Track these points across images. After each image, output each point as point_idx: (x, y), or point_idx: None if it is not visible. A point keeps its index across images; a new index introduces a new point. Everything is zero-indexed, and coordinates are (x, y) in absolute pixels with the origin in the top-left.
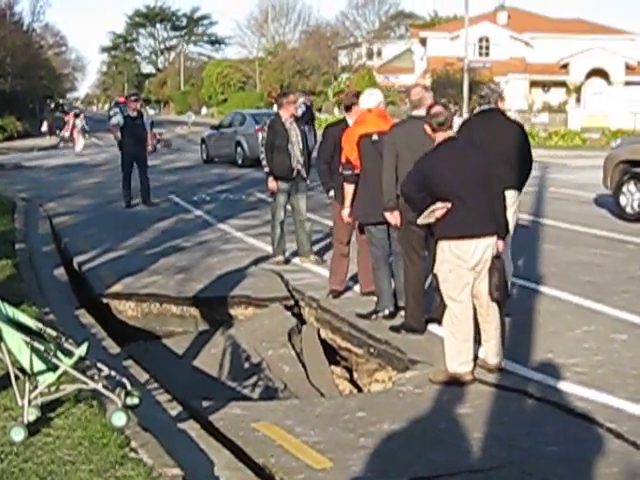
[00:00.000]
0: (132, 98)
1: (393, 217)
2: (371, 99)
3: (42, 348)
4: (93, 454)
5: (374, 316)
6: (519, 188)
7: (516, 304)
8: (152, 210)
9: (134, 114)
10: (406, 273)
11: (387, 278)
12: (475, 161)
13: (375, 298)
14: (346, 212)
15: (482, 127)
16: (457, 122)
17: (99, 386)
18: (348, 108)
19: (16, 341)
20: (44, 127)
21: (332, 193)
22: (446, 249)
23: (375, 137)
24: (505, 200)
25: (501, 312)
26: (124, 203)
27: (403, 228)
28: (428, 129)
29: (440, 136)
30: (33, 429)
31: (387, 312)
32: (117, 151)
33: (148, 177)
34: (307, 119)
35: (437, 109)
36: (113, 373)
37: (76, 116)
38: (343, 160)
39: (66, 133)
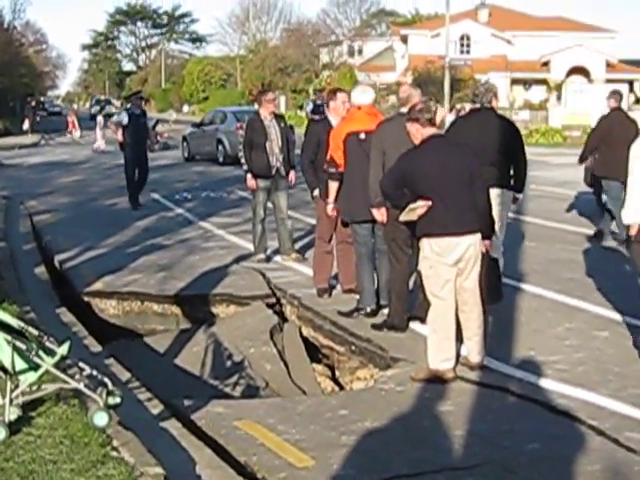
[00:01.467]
0: (137, 96)
1: (380, 214)
2: (364, 96)
3: (24, 347)
4: (74, 453)
5: (356, 314)
6: (507, 186)
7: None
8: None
9: (138, 112)
10: (391, 271)
11: (370, 276)
12: (459, 159)
13: (357, 296)
14: (330, 207)
15: (474, 126)
16: (450, 119)
17: (81, 385)
18: (327, 105)
19: None
20: (26, 125)
21: (317, 192)
22: (426, 246)
23: (362, 136)
24: (490, 199)
25: (484, 310)
26: (131, 206)
27: (389, 226)
28: (413, 126)
29: (427, 132)
30: (14, 428)
31: (369, 310)
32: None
33: (146, 180)
34: (321, 117)
35: (424, 105)
36: (95, 372)
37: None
38: (328, 158)
39: (76, 133)
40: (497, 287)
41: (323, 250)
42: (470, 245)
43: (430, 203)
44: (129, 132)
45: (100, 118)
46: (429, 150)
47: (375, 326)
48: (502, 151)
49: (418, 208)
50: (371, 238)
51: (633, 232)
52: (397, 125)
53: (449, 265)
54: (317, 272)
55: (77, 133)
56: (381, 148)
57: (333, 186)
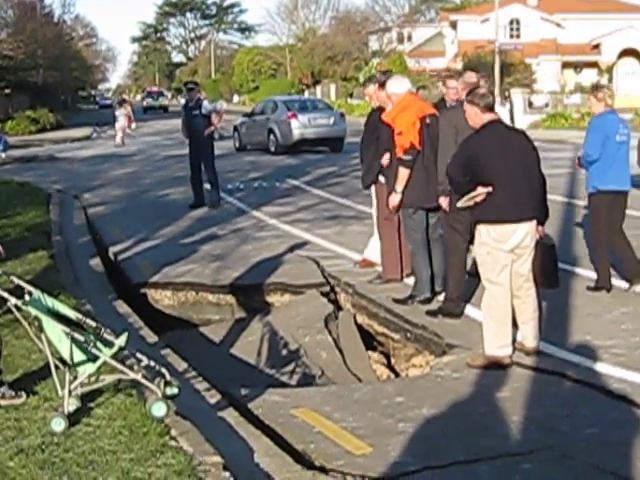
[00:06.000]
0: (188, 87)
1: (445, 202)
2: (402, 83)
3: (82, 339)
4: (133, 443)
5: (410, 301)
6: None
7: None
8: (186, 199)
9: (192, 104)
10: (448, 257)
11: (426, 263)
12: (518, 145)
13: (411, 282)
14: (397, 198)
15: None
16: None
17: (139, 376)
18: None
19: (56, 332)
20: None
21: (382, 179)
22: (484, 232)
23: (428, 120)
24: (546, 185)
25: (538, 295)
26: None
27: (451, 213)
28: (472, 109)
29: (484, 118)
30: (73, 419)
31: (423, 297)
32: (148, 140)
33: (214, 174)
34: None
35: (484, 90)
36: (152, 363)
37: (120, 104)
38: (406, 145)
39: (132, 125)
40: (554, 273)
41: (389, 239)
42: (527, 232)
43: (490, 189)
44: (185, 125)
45: (120, 110)
46: (490, 136)
47: (430, 312)
48: None
49: (478, 195)
50: (425, 225)
51: None
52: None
53: (506, 251)
54: (386, 265)
55: (133, 125)
56: (455, 135)
57: (406, 174)
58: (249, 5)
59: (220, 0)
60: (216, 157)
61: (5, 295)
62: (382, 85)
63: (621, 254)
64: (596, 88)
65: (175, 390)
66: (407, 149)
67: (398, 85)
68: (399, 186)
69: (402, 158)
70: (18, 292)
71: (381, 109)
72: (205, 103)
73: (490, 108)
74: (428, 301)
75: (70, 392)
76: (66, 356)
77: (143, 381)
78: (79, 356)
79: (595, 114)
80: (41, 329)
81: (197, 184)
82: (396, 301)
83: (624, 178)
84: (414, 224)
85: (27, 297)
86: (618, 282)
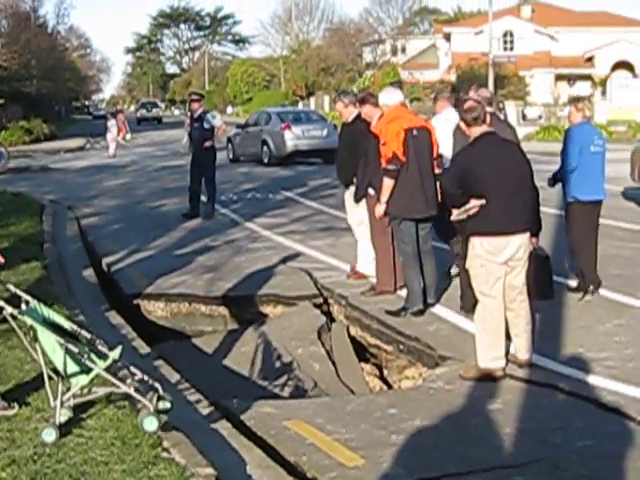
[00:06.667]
0: (192, 97)
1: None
2: (395, 95)
3: (76, 350)
4: (126, 454)
5: (403, 313)
6: None
7: None
8: (180, 210)
9: (196, 115)
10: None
11: (417, 275)
12: (511, 157)
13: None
14: (382, 208)
15: None
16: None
17: (131, 390)
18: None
19: (50, 342)
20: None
21: (372, 191)
22: (477, 245)
23: (415, 132)
24: (539, 197)
25: (531, 307)
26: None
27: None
28: (462, 124)
29: (476, 131)
30: (65, 430)
31: (416, 309)
32: (142, 151)
33: (214, 188)
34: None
35: (470, 104)
36: (146, 377)
37: (114, 115)
38: (389, 155)
39: (127, 135)
40: (549, 284)
41: (382, 251)
42: (521, 244)
43: (483, 202)
44: (191, 137)
45: (111, 122)
46: (483, 148)
47: (466, 309)
48: None
49: (472, 207)
50: (416, 237)
51: None
52: None
53: (500, 263)
54: (380, 277)
55: (128, 136)
56: None
57: (390, 184)
58: (243, 17)
59: (214, 11)
60: None
61: (1, 304)
62: (362, 102)
63: (584, 264)
64: (577, 99)
65: (168, 405)
66: (390, 159)
67: (390, 97)
68: (383, 196)
69: (385, 168)
70: (14, 301)
71: (367, 123)
72: (208, 117)
73: (476, 120)
74: (421, 313)
75: (62, 403)
76: (59, 367)
77: (135, 395)
78: (72, 367)
79: (573, 123)
80: (36, 339)
81: (195, 197)
82: (389, 313)
83: (600, 188)
84: (404, 236)
85: (23, 306)
86: (611, 294)
